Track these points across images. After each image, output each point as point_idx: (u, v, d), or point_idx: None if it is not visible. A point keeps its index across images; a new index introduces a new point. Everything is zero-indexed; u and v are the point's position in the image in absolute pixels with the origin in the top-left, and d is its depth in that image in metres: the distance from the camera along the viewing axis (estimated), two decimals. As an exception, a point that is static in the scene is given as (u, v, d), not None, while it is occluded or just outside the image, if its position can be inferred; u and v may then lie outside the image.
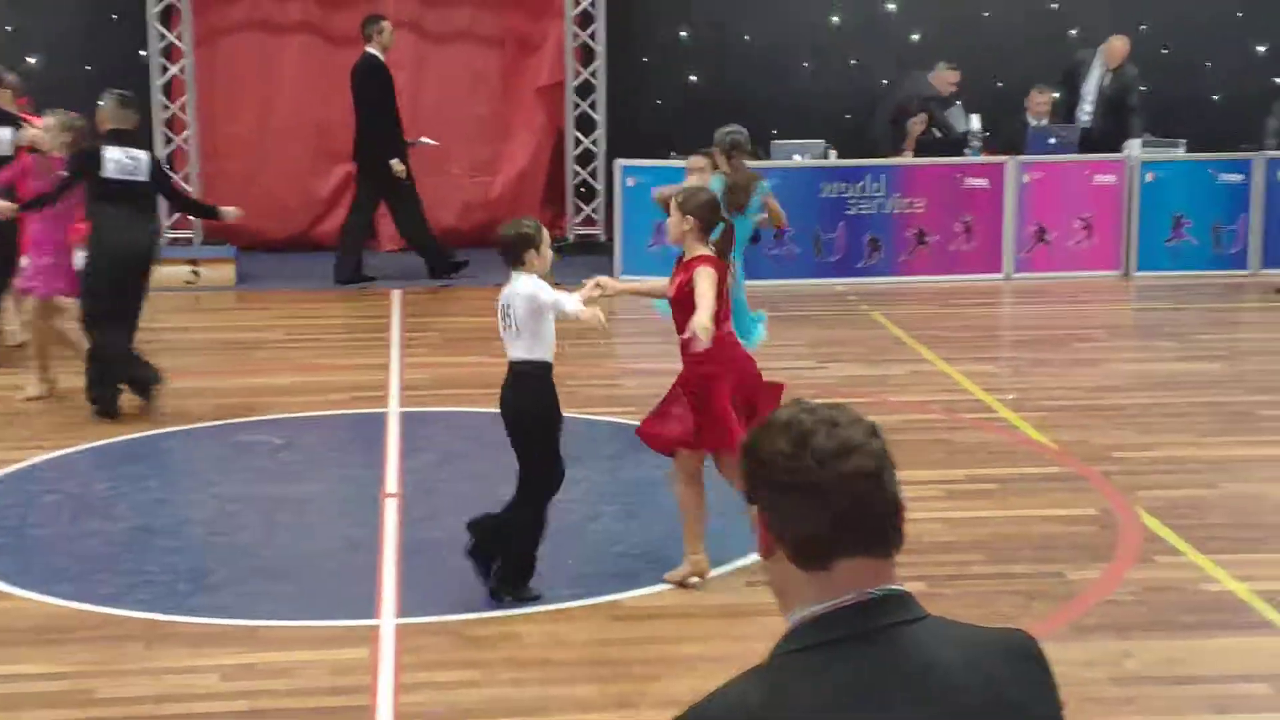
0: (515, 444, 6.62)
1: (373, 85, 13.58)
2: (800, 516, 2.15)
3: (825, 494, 2.14)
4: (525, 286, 6.44)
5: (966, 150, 14.30)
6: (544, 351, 6.50)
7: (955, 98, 14.64)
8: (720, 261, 6.69)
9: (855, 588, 2.14)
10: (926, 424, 9.21)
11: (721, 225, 6.89)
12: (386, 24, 13.77)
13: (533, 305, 6.41)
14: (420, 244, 13.93)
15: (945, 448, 8.72)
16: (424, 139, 14.15)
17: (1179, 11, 15.79)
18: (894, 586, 2.17)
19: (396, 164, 13.46)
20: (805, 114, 14.83)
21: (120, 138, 9.25)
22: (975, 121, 14.47)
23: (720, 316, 6.60)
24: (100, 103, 9.56)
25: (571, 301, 6.50)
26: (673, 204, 6.75)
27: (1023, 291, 13.57)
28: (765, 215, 9.14)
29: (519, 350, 6.50)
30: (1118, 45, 14.48)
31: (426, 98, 15.14)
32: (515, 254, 6.52)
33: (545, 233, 6.61)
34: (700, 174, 8.45)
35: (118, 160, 9.09)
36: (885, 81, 15.39)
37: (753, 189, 8.78)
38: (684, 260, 6.69)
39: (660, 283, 7.02)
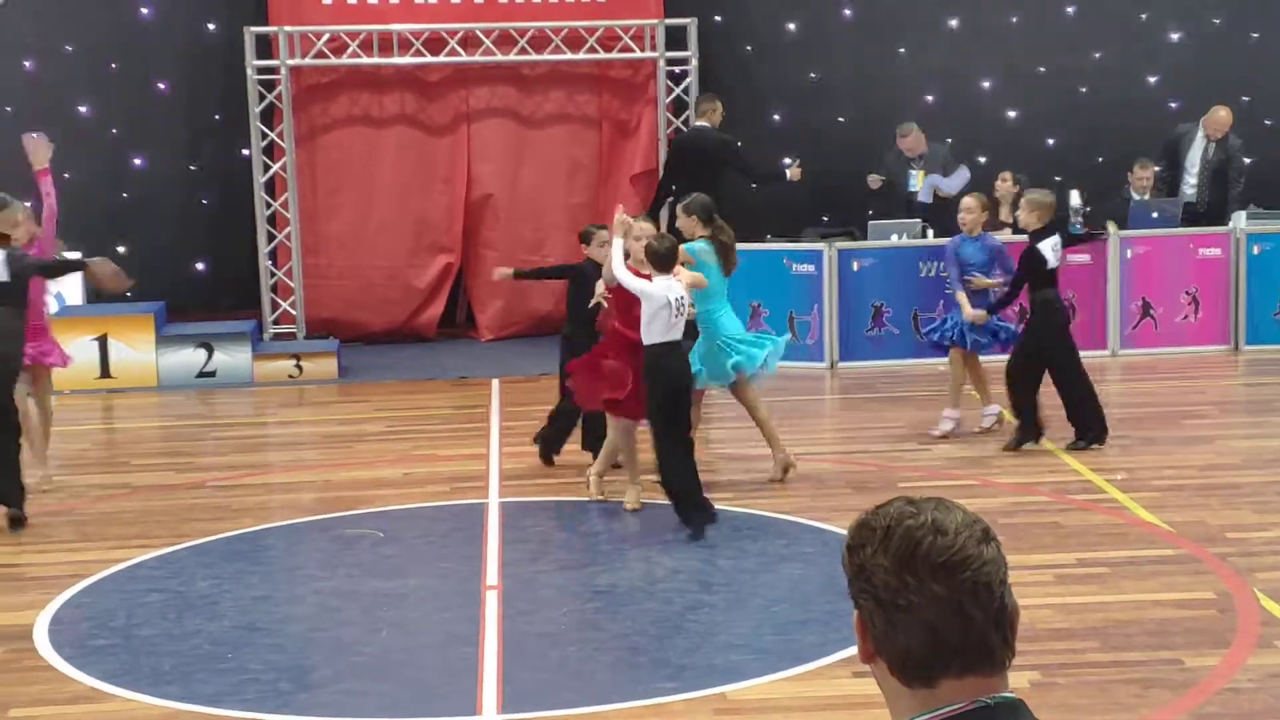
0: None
1: (738, 150, 14.17)
2: (900, 635, 2.05)
3: (927, 616, 2.02)
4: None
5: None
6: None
7: (917, 160, 14.46)
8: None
9: (963, 699, 2.05)
10: (1034, 507, 9.04)
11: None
12: (719, 103, 14.29)
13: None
14: None
15: (1054, 531, 8.54)
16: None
17: (1281, 80, 15.61)
18: (1006, 694, 2.07)
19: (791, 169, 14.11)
20: (899, 194, 14.77)
21: None
22: (1075, 197, 14.31)
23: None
24: None
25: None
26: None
27: (1129, 368, 13.35)
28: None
29: (680, 331, 8.70)
30: (1221, 116, 14.30)
31: (523, 185, 15.28)
32: (673, 261, 8.75)
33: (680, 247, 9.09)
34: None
35: None
36: (982, 160, 15.32)
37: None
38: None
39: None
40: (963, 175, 14.31)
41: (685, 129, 15.32)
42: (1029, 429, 10.24)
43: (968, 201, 10.96)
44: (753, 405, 9.73)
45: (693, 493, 8.65)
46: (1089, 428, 10.23)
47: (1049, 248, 10.06)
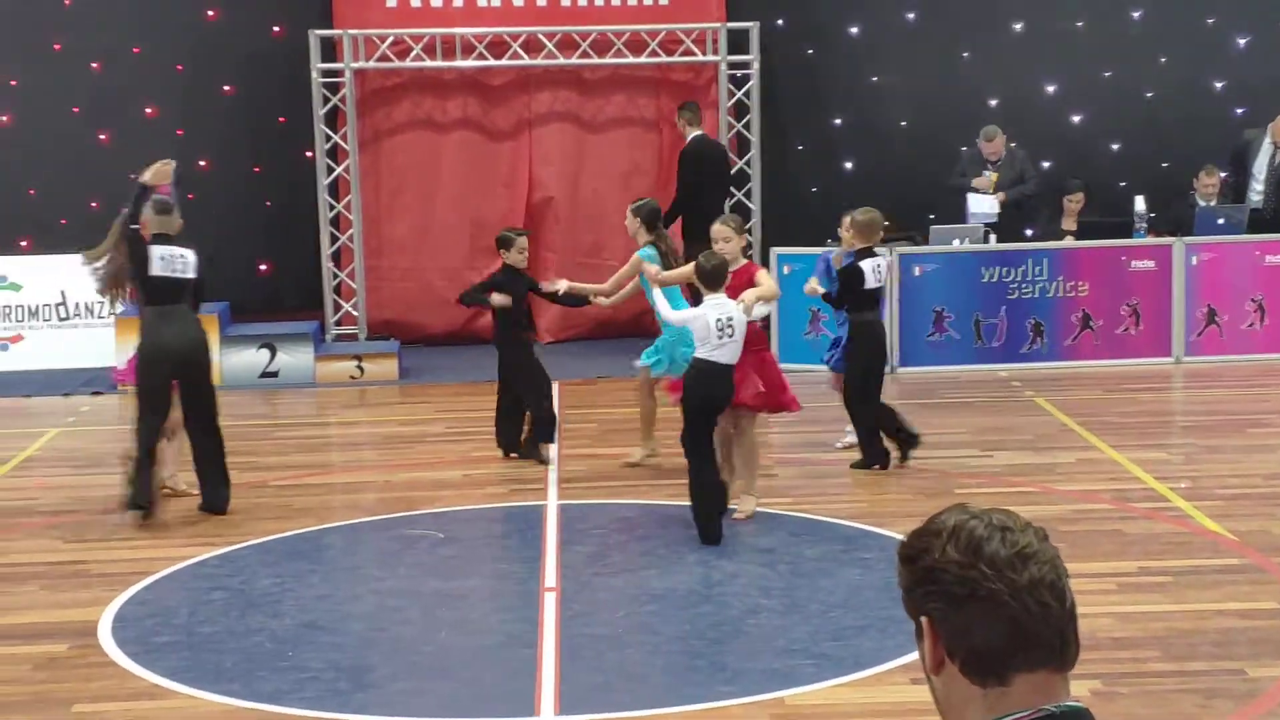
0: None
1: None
2: (977, 629, 2.05)
3: (1004, 604, 2.04)
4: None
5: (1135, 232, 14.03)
6: None
7: (992, 164, 14.31)
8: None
9: (1031, 704, 2.05)
10: (1096, 514, 8.98)
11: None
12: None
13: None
14: None
15: (1116, 539, 8.47)
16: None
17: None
18: (1073, 702, 2.07)
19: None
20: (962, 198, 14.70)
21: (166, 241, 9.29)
22: (1140, 203, 14.21)
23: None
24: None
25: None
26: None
27: (1194, 375, 13.23)
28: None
29: (735, 351, 8.42)
30: (1288, 122, 14.14)
31: (584, 188, 15.32)
32: (721, 278, 8.49)
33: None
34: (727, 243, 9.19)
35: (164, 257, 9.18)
36: (1046, 164, 15.23)
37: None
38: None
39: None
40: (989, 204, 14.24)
41: (746, 134, 15.32)
42: (875, 451, 10.09)
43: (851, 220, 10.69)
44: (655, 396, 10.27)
45: (710, 510, 8.57)
46: (879, 453, 10.09)
47: (870, 267, 9.98)
